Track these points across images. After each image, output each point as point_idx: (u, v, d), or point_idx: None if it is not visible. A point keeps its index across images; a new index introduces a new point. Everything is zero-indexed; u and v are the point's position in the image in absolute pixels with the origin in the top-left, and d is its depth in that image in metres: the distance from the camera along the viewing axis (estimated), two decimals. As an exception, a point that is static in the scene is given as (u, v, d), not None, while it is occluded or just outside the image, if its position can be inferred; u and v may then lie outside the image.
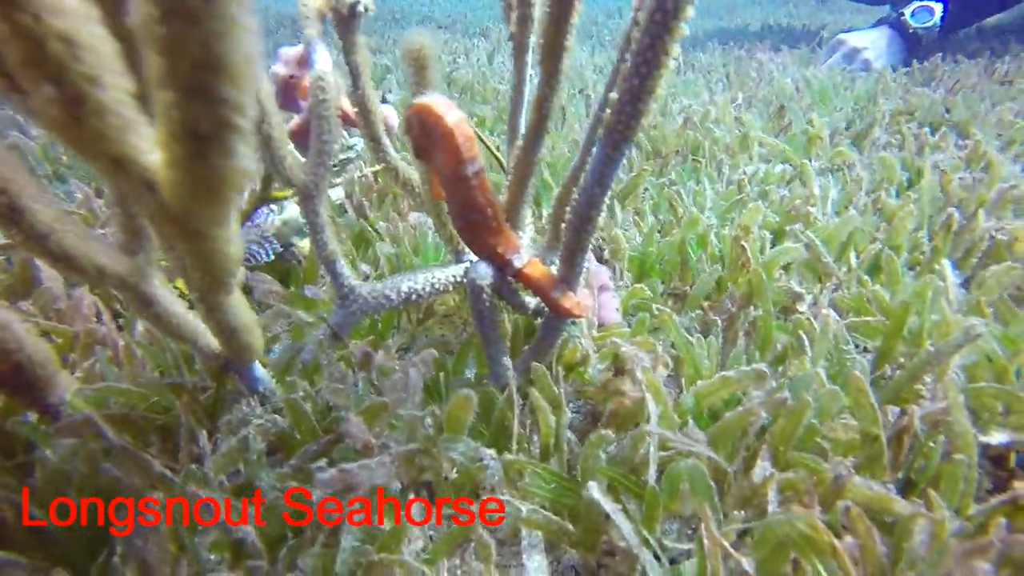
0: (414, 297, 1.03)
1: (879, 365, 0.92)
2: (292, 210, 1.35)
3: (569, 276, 0.87)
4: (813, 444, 0.72)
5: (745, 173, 1.56)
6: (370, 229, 1.43)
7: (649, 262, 1.21)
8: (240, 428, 0.80)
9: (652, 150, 1.79)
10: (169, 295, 0.79)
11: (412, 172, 1.17)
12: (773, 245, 1.14)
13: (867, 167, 1.55)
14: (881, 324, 0.93)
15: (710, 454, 0.71)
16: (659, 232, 1.34)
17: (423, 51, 0.90)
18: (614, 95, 0.65)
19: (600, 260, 1.44)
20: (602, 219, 1.53)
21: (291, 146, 1.43)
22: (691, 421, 0.78)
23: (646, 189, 1.62)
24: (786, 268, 1.13)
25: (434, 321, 1.24)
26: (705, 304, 1.08)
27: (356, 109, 1.07)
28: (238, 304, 0.78)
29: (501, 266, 0.87)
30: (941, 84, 2.40)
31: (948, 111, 2.04)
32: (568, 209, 0.81)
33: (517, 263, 0.86)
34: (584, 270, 0.86)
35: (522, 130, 0.95)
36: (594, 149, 0.73)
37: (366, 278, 1.27)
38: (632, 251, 1.20)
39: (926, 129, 1.87)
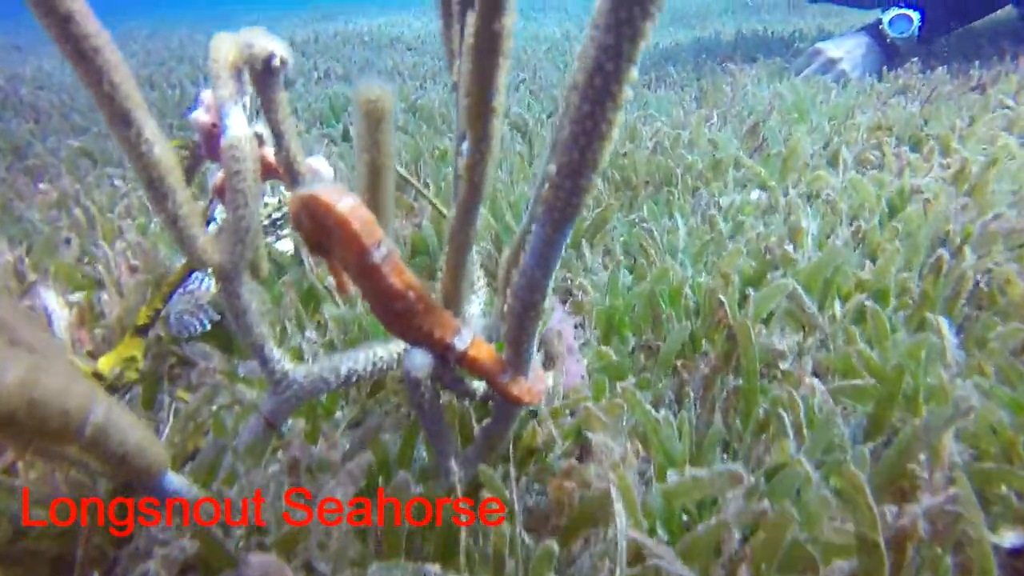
0: (354, 379, 0.92)
1: (871, 435, 0.82)
2: (231, 272, 1.25)
3: (516, 361, 0.77)
4: (800, 558, 0.62)
5: (719, 205, 1.47)
6: (319, 286, 1.32)
7: (617, 316, 1.11)
8: (144, 560, 0.69)
9: (621, 180, 1.70)
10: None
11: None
12: (747, 294, 1.05)
13: (846, 191, 1.46)
14: (871, 387, 0.84)
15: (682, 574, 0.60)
16: (631, 275, 1.24)
17: (380, 104, 0.80)
18: (551, 168, 0.56)
19: (565, 302, 1.35)
20: (569, 260, 1.44)
21: (218, 210, 1.33)
22: (659, 527, 0.68)
23: (614, 227, 1.53)
24: (766, 319, 1.03)
25: (388, 390, 1.14)
26: (679, 363, 0.99)
27: (282, 169, 0.97)
28: (121, 426, 0.66)
29: (441, 352, 0.77)
30: (918, 94, 2.33)
31: (926, 123, 1.97)
32: (508, 293, 0.71)
33: (459, 346, 0.76)
34: (535, 344, 0.76)
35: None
36: (533, 226, 0.63)
37: (312, 345, 1.17)
38: (599, 304, 1.10)
39: (906, 148, 1.79)
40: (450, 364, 0.79)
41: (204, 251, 0.85)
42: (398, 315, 0.70)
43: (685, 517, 0.74)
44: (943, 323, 0.89)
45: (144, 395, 1.11)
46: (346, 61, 4.43)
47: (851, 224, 1.32)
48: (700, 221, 1.45)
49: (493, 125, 0.70)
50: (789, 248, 1.09)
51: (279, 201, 1.25)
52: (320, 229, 0.64)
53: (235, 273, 0.88)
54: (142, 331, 1.07)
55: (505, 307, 0.73)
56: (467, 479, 0.84)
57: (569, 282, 1.38)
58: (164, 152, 0.77)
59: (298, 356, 1.13)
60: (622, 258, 1.33)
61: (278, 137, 0.92)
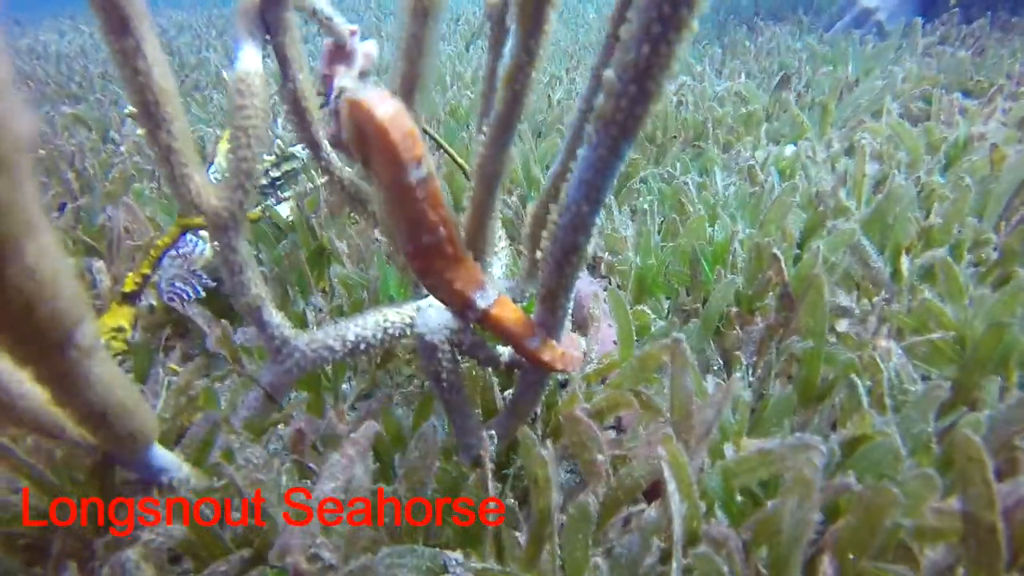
0: (363, 347, 0.82)
1: (954, 403, 0.72)
2: (227, 235, 1.14)
3: (549, 320, 0.66)
4: (894, 545, 0.52)
5: (754, 159, 1.34)
6: (327, 247, 1.22)
7: (651, 276, 1.01)
8: (125, 547, 0.60)
9: (644, 136, 1.58)
10: (10, 370, 0.59)
11: (362, 183, 0.97)
12: (800, 247, 0.93)
13: (893, 142, 1.33)
14: (949, 346, 0.73)
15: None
16: (659, 236, 1.13)
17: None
18: (610, 73, 0.45)
19: (592, 269, 1.24)
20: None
21: (219, 159, 1.23)
22: (718, 510, 0.58)
23: (643, 181, 1.41)
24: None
25: (400, 360, 1.04)
26: (732, 329, 0.88)
27: (287, 107, 0.86)
28: (104, 375, 0.56)
29: (462, 308, 0.67)
30: (961, 43, 2.17)
31: (977, 70, 1.83)
32: (546, 234, 0.61)
33: (481, 303, 0.65)
34: (571, 302, 0.66)
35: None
36: (580, 151, 0.53)
37: (319, 312, 1.07)
38: (629, 264, 0.99)
39: (957, 95, 1.65)
40: (469, 324, 0.69)
41: (198, 194, 0.75)
42: (423, 251, 0.60)
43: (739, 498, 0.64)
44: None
45: (136, 368, 1.02)
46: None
47: (904, 174, 1.20)
48: (736, 176, 1.33)
49: (546, 15, 0.59)
50: (843, 195, 0.97)
51: (276, 158, 1.14)
52: (363, 139, 0.55)
53: (232, 223, 0.78)
54: (130, 298, 0.98)
55: (539, 256, 0.62)
56: (492, 453, 0.75)
57: (592, 243, 1.28)
58: (164, 76, 0.68)
59: (301, 323, 1.04)
60: (654, 215, 1.22)
61: (283, 65, 0.81)
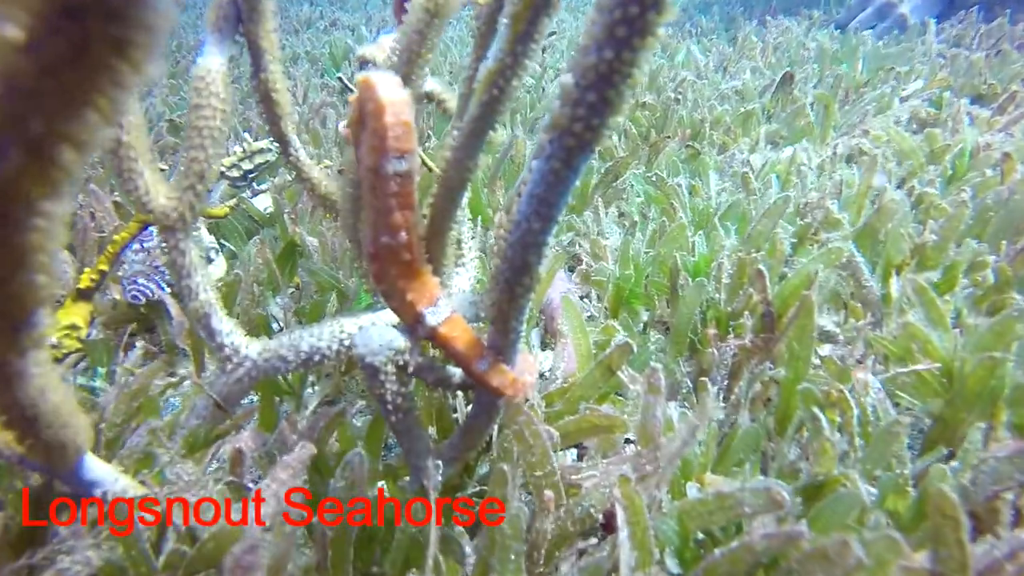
0: (317, 358, 0.78)
1: (934, 442, 0.67)
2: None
3: (501, 342, 0.62)
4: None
5: (749, 163, 1.29)
6: (298, 243, 1.18)
7: (629, 287, 0.96)
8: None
9: (638, 134, 1.52)
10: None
11: (331, 183, 0.92)
12: (786, 261, 0.88)
13: (894, 149, 1.27)
14: (935, 379, 0.68)
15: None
16: (643, 240, 1.08)
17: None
18: (567, 78, 0.41)
19: (573, 270, 1.19)
20: (577, 223, 1.28)
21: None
22: (668, 557, 0.54)
23: (631, 184, 1.36)
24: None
25: (366, 366, 1.00)
26: (708, 348, 0.83)
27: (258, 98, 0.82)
28: (42, 374, 0.53)
29: (412, 323, 0.63)
30: (977, 44, 2.09)
31: (990, 78, 1.75)
32: (496, 252, 0.56)
33: (431, 320, 0.61)
34: (523, 322, 0.61)
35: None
36: (534, 162, 0.48)
37: (286, 312, 1.03)
38: (608, 273, 0.95)
39: (964, 100, 1.58)
40: (417, 342, 0.65)
41: (147, 192, 0.71)
42: (381, 253, 0.57)
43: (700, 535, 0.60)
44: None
45: (92, 366, 0.99)
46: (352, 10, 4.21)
47: (900, 186, 1.15)
48: (730, 180, 1.27)
49: (541, 24, 0.54)
50: (833, 206, 0.92)
51: (243, 151, 1.09)
52: (361, 117, 0.54)
53: (181, 224, 0.74)
54: (85, 295, 0.95)
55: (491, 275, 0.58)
56: (443, 477, 0.71)
57: (578, 247, 1.23)
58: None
59: (265, 326, 1.00)
60: (638, 220, 1.17)
61: (256, 55, 0.77)
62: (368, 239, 0.60)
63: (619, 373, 0.72)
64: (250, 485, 0.70)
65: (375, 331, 0.62)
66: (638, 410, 0.66)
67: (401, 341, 0.63)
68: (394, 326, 0.66)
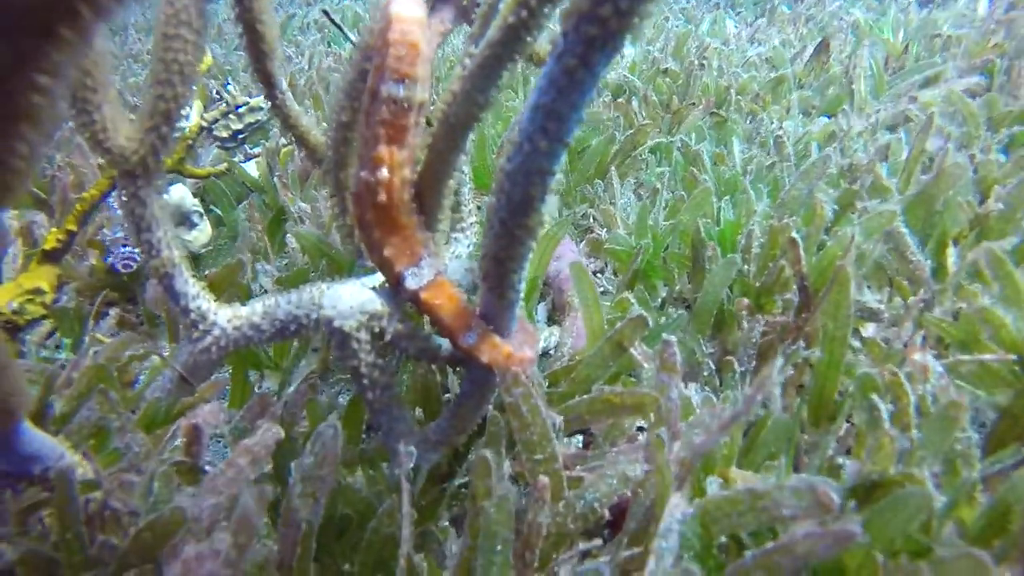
0: (293, 328, 0.69)
1: (998, 442, 0.57)
2: (178, 192, 1.03)
3: (494, 308, 0.53)
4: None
5: (783, 129, 1.18)
6: (290, 208, 1.10)
7: (647, 258, 0.86)
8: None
9: (659, 102, 1.41)
10: None
11: (319, 132, 0.83)
12: (826, 231, 0.78)
13: (949, 116, 1.15)
14: (1007, 367, 0.58)
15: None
16: (664, 213, 0.98)
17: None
18: None
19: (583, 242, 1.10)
20: (591, 193, 1.18)
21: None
22: (689, 560, 0.45)
23: (653, 151, 1.25)
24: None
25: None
26: (737, 327, 0.73)
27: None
28: None
29: (393, 284, 0.54)
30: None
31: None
32: (489, 197, 0.47)
33: (411, 283, 0.53)
34: (521, 283, 0.52)
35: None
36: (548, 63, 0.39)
37: (261, 289, 0.95)
38: (622, 244, 0.85)
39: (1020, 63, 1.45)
40: (398, 307, 0.56)
41: (103, 129, 0.63)
42: (360, 191, 0.49)
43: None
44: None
45: (63, 335, 0.92)
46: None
47: (963, 151, 1.03)
48: (758, 148, 1.16)
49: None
50: (882, 170, 0.81)
51: (227, 106, 1.01)
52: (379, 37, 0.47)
53: (142, 170, 0.65)
54: (52, 257, 0.87)
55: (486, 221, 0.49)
56: (427, 464, 0.62)
57: (592, 219, 1.13)
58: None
59: (247, 295, 0.92)
60: (659, 188, 1.07)
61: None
62: (355, 178, 0.51)
63: (632, 351, 0.63)
64: (208, 468, 0.62)
65: (346, 290, 0.54)
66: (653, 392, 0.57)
67: (377, 304, 0.55)
68: (375, 288, 0.57)
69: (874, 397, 0.51)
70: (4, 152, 0.28)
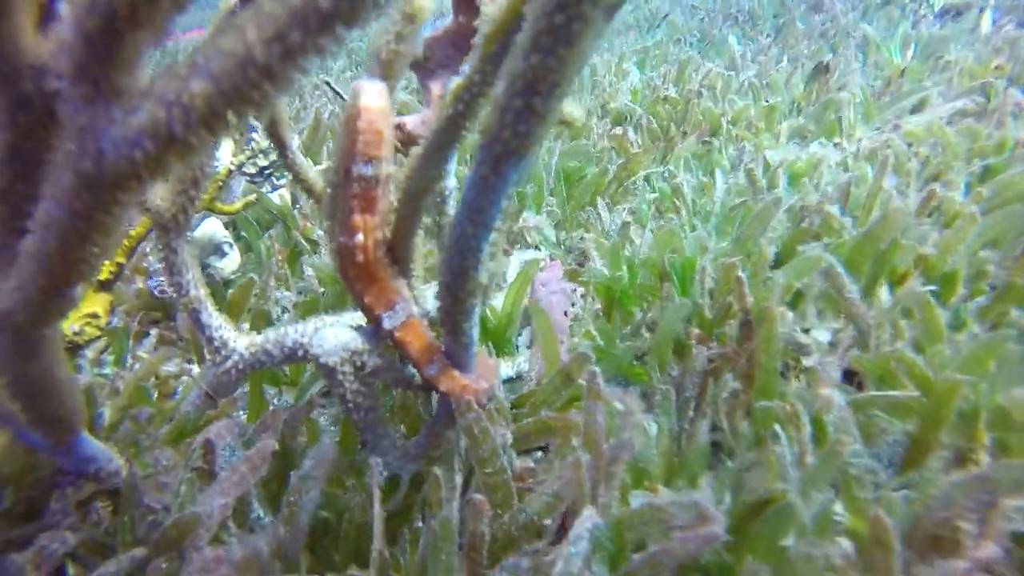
0: (300, 354, 0.81)
1: (910, 462, 0.64)
2: (211, 225, 1.17)
3: (451, 347, 0.63)
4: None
5: (762, 159, 1.24)
6: (303, 241, 1.23)
7: (620, 287, 0.95)
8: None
9: (659, 128, 1.49)
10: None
11: (321, 182, 0.95)
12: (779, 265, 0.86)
13: (927, 145, 1.20)
14: (916, 402, 0.65)
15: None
16: (643, 240, 1.07)
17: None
18: (500, 86, 0.41)
19: (582, 265, 1.19)
20: (588, 219, 1.27)
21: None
22: (597, 564, 0.54)
23: (646, 180, 1.34)
24: (795, 300, 0.84)
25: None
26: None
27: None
28: (55, 352, 0.58)
29: (373, 324, 0.65)
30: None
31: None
32: (438, 258, 0.58)
33: (386, 324, 0.63)
34: (474, 326, 0.62)
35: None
36: (471, 168, 0.49)
37: (283, 311, 1.08)
38: (598, 274, 0.94)
39: (1017, 91, 1.47)
40: (377, 343, 0.67)
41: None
42: (341, 251, 0.60)
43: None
44: (1026, 322, 0.68)
45: (114, 352, 1.07)
46: None
47: (924, 187, 1.08)
48: (744, 177, 1.23)
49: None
50: (834, 210, 0.88)
51: (252, 151, 1.14)
52: (346, 120, 0.58)
53: (174, 224, 0.79)
54: (105, 286, 1.01)
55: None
56: (408, 474, 0.73)
57: (587, 243, 1.22)
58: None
59: (266, 321, 1.05)
60: (648, 217, 1.15)
61: None
62: (334, 244, 0.63)
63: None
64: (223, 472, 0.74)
65: (331, 332, 0.65)
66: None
67: (358, 342, 0.66)
68: (359, 327, 0.69)
69: (776, 426, 0.59)
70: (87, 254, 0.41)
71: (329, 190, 0.83)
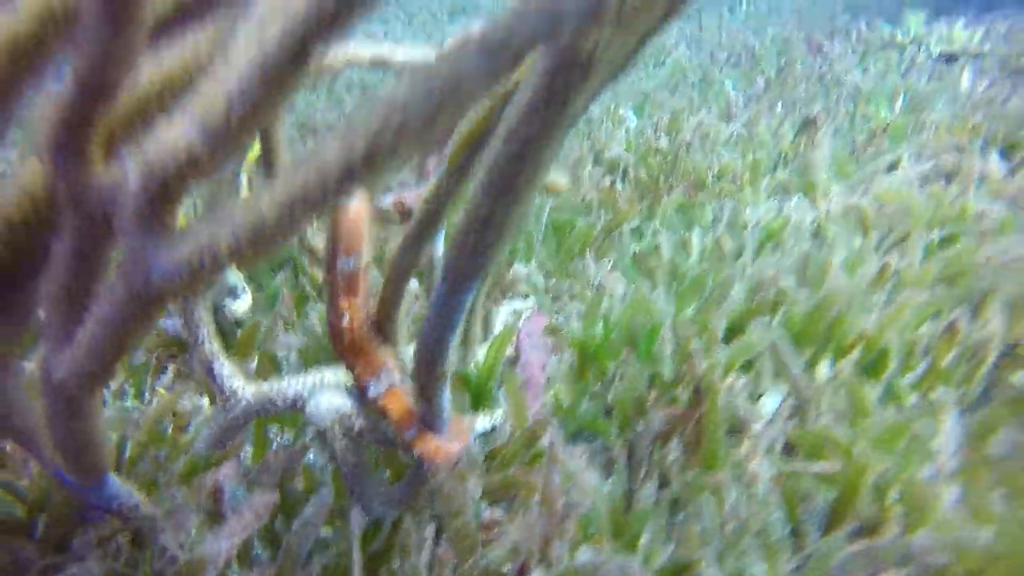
0: (299, 404, 0.92)
1: (832, 526, 0.72)
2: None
3: (427, 414, 0.73)
4: None
5: (743, 219, 1.33)
6: (310, 288, 1.33)
7: (594, 346, 1.04)
8: None
9: (650, 180, 1.58)
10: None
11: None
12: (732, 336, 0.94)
13: (888, 209, 1.28)
14: (838, 475, 0.73)
15: None
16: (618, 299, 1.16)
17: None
18: (459, 219, 0.51)
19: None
20: (577, 270, 1.37)
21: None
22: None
23: (634, 232, 1.43)
24: (748, 365, 0.93)
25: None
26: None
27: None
28: (96, 413, 0.69)
29: (360, 391, 0.75)
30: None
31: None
32: (416, 342, 0.67)
33: (371, 392, 0.73)
34: (444, 399, 0.72)
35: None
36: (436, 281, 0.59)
37: (287, 352, 1.18)
38: (573, 332, 1.03)
39: (994, 154, 1.54)
40: (362, 407, 0.77)
41: None
42: (333, 333, 0.70)
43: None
44: (946, 403, 0.76)
45: (134, 388, 1.18)
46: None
47: (887, 252, 1.16)
48: (728, 232, 1.32)
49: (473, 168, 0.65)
50: (789, 283, 0.97)
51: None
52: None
53: (191, 294, 0.89)
54: (129, 328, 1.12)
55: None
56: (391, 518, 0.83)
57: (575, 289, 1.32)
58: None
59: (273, 362, 1.15)
60: (631, 272, 1.24)
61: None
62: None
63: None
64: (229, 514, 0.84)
65: (324, 397, 0.75)
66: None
67: (347, 406, 0.76)
68: (348, 390, 0.79)
69: (703, 495, 0.68)
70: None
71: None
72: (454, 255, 0.53)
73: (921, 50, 2.65)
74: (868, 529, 0.70)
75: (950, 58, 2.59)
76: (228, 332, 1.28)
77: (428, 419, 0.74)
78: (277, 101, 0.44)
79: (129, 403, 1.17)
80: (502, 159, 0.47)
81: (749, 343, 0.85)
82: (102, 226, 0.54)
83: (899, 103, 1.95)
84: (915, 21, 2.84)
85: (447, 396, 0.71)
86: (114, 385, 1.19)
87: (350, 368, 0.73)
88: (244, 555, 0.77)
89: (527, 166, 0.46)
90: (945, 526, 0.64)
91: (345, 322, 0.69)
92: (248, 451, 1.01)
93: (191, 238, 0.45)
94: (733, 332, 0.96)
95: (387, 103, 0.37)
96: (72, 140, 0.50)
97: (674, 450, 0.79)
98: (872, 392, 0.81)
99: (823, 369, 0.87)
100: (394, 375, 0.75)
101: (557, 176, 1.02)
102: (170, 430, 1.08)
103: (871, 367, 0.86)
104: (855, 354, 0.90)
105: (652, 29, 0.49)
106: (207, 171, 0.46)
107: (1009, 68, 2.24)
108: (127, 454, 0.97)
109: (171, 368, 1.22)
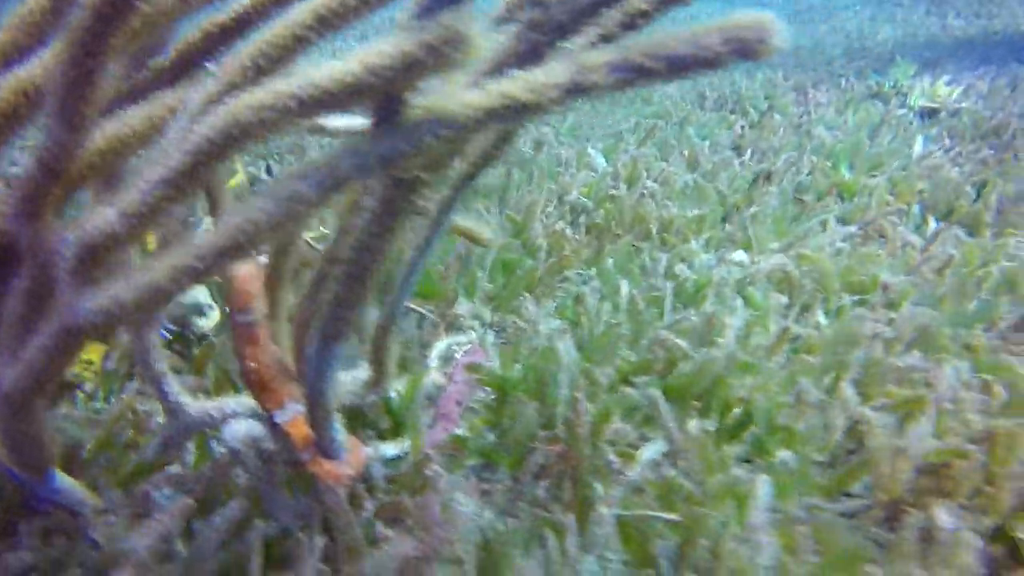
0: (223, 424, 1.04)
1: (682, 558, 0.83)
2: (194, 291, 1.41)
3: (320, 439, 0.85)
4: None
5: (673, 272, 1.43)
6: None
7: (510, 385, 1.15)
8: None
9: (604, 226, 1.69)
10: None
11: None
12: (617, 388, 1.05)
13: (813, 273, 1.37)
14: (680, 524, 0.84)
15: None
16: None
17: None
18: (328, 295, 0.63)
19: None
20: (519, 307, 1.48)
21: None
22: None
23: (579, 274, 1.53)
24: (637, 417, 1.03)
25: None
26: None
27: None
28: (41, 414, 0.81)
29: (268, 418, 0.87)
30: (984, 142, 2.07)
31: (979, 193, 1.76)
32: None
33: (277, 419, 0.86)
34: (333, 428, 0.84)
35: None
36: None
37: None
38: (489, 375, 1.15)
39: (931, 219, 1.63)
40: (274, 432, 0.89)
41: None
42: (243, 371, 0.82)
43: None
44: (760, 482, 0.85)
45: (104, 391, 1.31)
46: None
47: (799, 315, 1.26)
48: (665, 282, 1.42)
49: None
50: (682, 345, 1.07)
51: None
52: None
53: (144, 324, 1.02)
54: (101, 338, 1.26)
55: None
56: (297, 530, 0.94)
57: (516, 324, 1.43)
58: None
59: (227, 378, 1.28)
60: (568, 313, 1.35)
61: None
62: None
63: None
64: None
65: (239, 424, 0.87)
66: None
67: (258, 430, 0.88)
68: (259, 417, 0.91)
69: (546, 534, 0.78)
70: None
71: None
72: (322, 322, 0.65)
73: (906, 103, 2.73)
74: None
75: (932, 113, 2.66)
76: (191, 346, 1.41)
77: (322, 446, 0.85)
78: (181, 197, 0.57)
79: (99, 405, 1.30)
80: (354, 251, 0.59)
81: (627, 396, 0.95)
82: (50, 273, 0.67)
83: (859, 162, 2.03)
84: (903, 73, 2.91)
85: (335, 427, 0.83)
86: (89, 386, 1.33)
87: (258, 401, 0.86)
88: (166, 552, 0.89)
89: (373, 258, 0.58)
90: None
91: (250, 365, 0.82)
92: (190, 460, 1.13)
93: (108, 291, 0.58)
94: (626, 383, 1.07)
95: (247, 209, 0.49)
96: (33, 208, 0.64)
97: (543, 488, 0.89)
98: (730, 450, 0.91)
99: (693, 426, 0.97)
100: (298, 406, 0.87)
101: (482, 229, 1.14)
102: (131, 432, 1.21)
103: (734, 428, 0.96)
104: (729, 414, 1.00)
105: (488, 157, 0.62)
106: (125, 244, 0.60)
107: (981, 130, 2.31)
108: (85, 455, 1.10)
109: (138, 376, 1.35)
